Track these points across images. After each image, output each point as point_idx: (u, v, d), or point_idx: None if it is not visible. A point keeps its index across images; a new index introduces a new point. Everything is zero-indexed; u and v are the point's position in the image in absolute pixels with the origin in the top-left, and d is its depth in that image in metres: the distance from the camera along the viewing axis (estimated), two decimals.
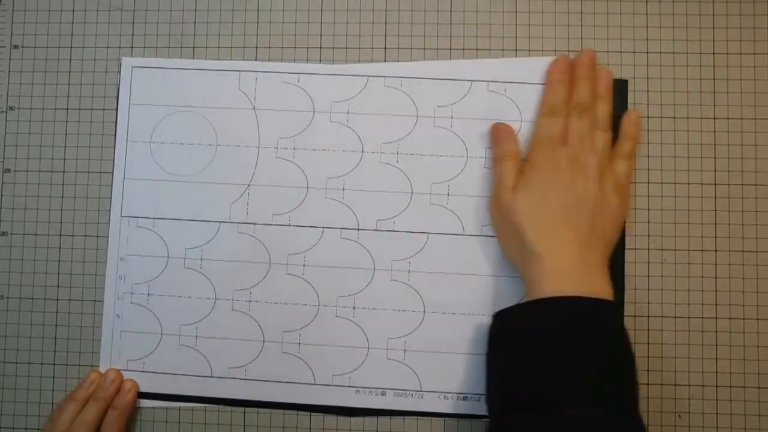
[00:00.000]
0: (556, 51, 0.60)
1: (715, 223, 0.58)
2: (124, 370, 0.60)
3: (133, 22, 0.62)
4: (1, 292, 0.61)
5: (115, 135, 0.61)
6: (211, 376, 0.59)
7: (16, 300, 0.61)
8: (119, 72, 0.61)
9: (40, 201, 0.61)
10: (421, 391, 0.58)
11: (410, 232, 0.59)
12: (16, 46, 0.62)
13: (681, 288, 0.58)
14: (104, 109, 0.61)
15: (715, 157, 0.59)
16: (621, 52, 0.60)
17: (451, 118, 0.60)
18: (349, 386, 0.59)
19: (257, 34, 0.61)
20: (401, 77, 0.60)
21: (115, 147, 0.61)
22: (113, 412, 0.58)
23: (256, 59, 0.61)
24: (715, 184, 0.58)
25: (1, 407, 0.61)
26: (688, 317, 0.58)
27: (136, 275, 0.60)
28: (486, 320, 0.58)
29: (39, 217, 0.61)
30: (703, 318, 0.58)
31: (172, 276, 0.60)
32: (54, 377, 0.60)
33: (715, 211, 0.58)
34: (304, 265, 0.60)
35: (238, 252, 0.60)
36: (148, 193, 0.61)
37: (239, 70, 0.61)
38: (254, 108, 0.61)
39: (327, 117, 0.60)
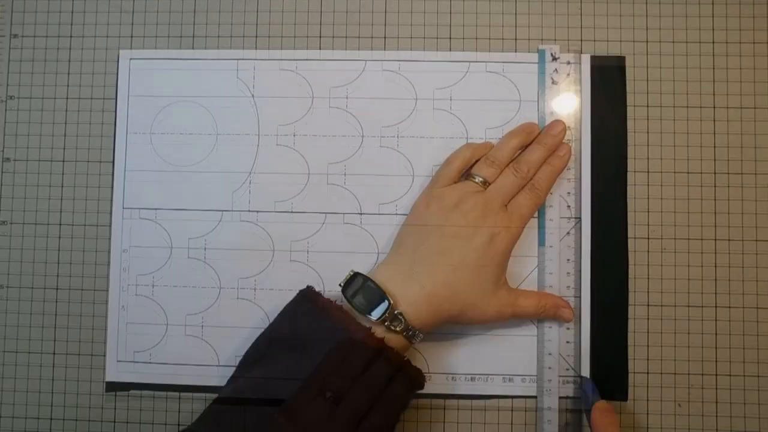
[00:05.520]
0: (555, 40, 0.60)
1: (715, 212, 0.58)
2: (131, 362, 0.60)
3: (133, 12, 0.62)
4: (1, 281, 0.61)
5: (115, 127, 0.61)
6: (218, 365, 0.59)
7: (15, 289, 0.61)
8: (117, 64, 0.61)
9: (40, 190, 0.61)
10: (428, 373, 0.59)
11: None
12: (15, 35, 0.62)
13: (680, 277, 0.58)
14: (104, 98, 0.61)
15: (714, 146, 0.59)
16: (620, 41, 0.60)
17: (450, 99, 0.60)
18: None
19: (257, 24, 0.61)
20: (399, 61, 0.60)
21: (114, 139, 0.61)
22: (547, 167, 0.57)
23: (255, 49, 0.61)
24: (715, 173, 0.59)
25: (1, 396, 0.60)
26: (688, 306, 0.58)
27: (140, 267, 0.60)
28: None
29: (39, 206, 0.61)
30: (702, 307, 0.58)
31: (176, 266, 0.60)
32: (54, 366, 0.60)
33: (715, 200, 0.59)
34: (307, 252, 0.60)
35: (242, 240, 0.60)
36: (149, 184, 0.60)
37: (237, 59, 0.61)
38: (253, 96, 0.61)
39: (326, 103, 0.60)
